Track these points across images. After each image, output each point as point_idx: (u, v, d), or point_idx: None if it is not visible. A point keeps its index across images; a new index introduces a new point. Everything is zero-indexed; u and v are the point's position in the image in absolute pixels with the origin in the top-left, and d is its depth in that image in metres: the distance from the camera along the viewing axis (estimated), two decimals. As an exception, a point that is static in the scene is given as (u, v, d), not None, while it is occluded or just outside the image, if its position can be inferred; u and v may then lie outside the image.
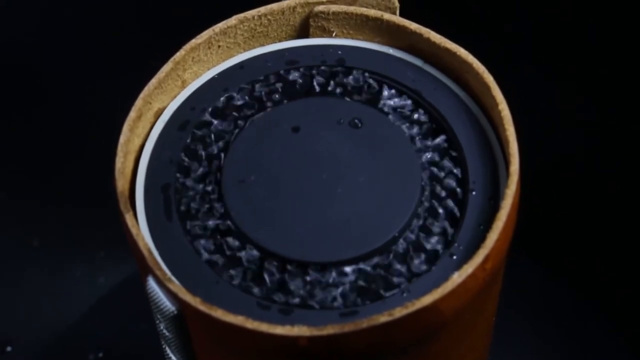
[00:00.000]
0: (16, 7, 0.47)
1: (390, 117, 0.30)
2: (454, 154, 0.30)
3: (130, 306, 0.48)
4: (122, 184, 0.28)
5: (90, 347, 0.47)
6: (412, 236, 0.28)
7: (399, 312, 0.25)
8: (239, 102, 0.31)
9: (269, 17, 0.32)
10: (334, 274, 0.28)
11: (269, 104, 0.31)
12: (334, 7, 0.32)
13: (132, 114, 0.29)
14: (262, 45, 0.32)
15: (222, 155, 0.30)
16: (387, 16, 0.32)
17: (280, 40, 0.33)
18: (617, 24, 0.45)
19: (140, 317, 0.45)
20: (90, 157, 0.48)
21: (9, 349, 0.47)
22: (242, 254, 0.28)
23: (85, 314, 0.48)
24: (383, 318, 0.25)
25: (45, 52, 0.49)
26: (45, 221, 0.50)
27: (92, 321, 0.48)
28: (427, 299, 0.26)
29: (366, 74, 0.31)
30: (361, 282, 0.27)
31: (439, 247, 0.28)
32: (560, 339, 0.46)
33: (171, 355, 0.30)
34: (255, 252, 0.28)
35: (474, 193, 0.29)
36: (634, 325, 0.46)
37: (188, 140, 0.30)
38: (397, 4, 0.32)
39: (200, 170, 0.30)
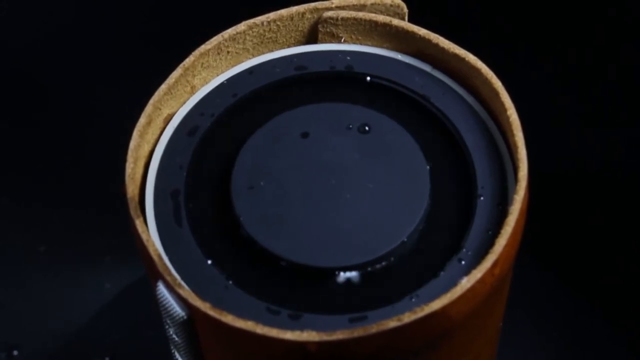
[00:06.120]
0: (22, 10, 0.48)
1: (399, 122, 0.30)
2: (462, 159, 0.30)
3: (137, 311, 0.48)
4: (132, 189, 0.28)
5: (96, 352, 0.47)
6: (421, 242, 0.28)
7: (407, 317, 0.25)
8: (248, 108, 0.31)
9: (278, 22, 0.32)
10: (342, 279, 0.28)
11: (277, 109, 0.31)
12: (343, 13, 0.32)
13: (142, 119, 0.29)
14: (271, 51, 0.32)
15: (232, 160, 0.30)
16: (395, 22, 0.32)
17: (289, 46, 0.33)
18: (625, 31, 0.45)
19: (147, 322, 0.45)
20: (97, 163, 0.48)
21: (15, 352, 0.47)
22: (252, 259, 0.28)
23: (91, 319, 0.48)
24: (392, 323, 0.25)
25: (51, 57, 0.49)
26: (52, 227, 0.50)
27: (98, 326, 0.48)
28: (435, 304, 0.26)
29: (375, 80, 0.31)
30: (370, 288, 0.28)
31: (448, 252, 0.28)
32: (566, 343, 0.46)
33: (180, 359, 0.30)
34: (264, 258, 0.28)
35: (482, 198, 0.29)
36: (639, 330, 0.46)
37: (197, 146, 0.30)
38: (405, 10, 0.32)
39: (210, 176, 0.30)
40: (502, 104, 0.29)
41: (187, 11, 0.48)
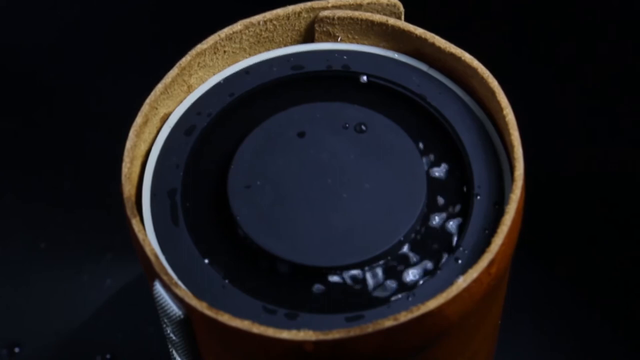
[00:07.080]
0: (22, 10, 0.48)
1: (396, 121, 0.30)
2: (458, 158, 0.30)
3: (138, 309, 0.48)
4: (128, 189, 0.28)
5: (97, 349, 0.47)
6: (417, 241, 0.28)
7: (404, 317, 0.25)
8: (245, 107, 0.31)
9: (275, 22, 0.32)
10: (339, 278, 0.28)
11: (274, 108, 0.31)
12: (339, 12, 0.32)
13: (139, 119, 0.29)
14: (267, 50, 0.32)
15: (228, 160, 0.30)
16: (392, 21, 0.32)
17: (285, 45, 0.33)
18: (623, 31, 0.45)
19: (147, 320, 0.46)
20: (96, 161, 0.48)
21: (17, 349, 0.47)
22: (248, 258, 0.28)
23: (92, 316, 0.48)
24: (388, 322, 0.25)
25: (50, 56, 0.49)
26: (53, 225, 0.50)
27: (99, 324, 0.48)
28: (432, 304, 0.26)
29: (372, 79, 0.31)
30: (366, 287, 0.28)
31: (444, 251, 0.28)
32: (564, 342, 0.46)
33: (178, 358, 0.30)
34: (260, 257, 0.28)
35: (478, 198, 0.29)
36: (638, 329, 0.46)
37: (194, 145, 0.30)
38: (402, 9, 0.32)
39: (207, 175, 0.30)
40: (498, 103, 0.29)
41: (185, 11, 0.48)
